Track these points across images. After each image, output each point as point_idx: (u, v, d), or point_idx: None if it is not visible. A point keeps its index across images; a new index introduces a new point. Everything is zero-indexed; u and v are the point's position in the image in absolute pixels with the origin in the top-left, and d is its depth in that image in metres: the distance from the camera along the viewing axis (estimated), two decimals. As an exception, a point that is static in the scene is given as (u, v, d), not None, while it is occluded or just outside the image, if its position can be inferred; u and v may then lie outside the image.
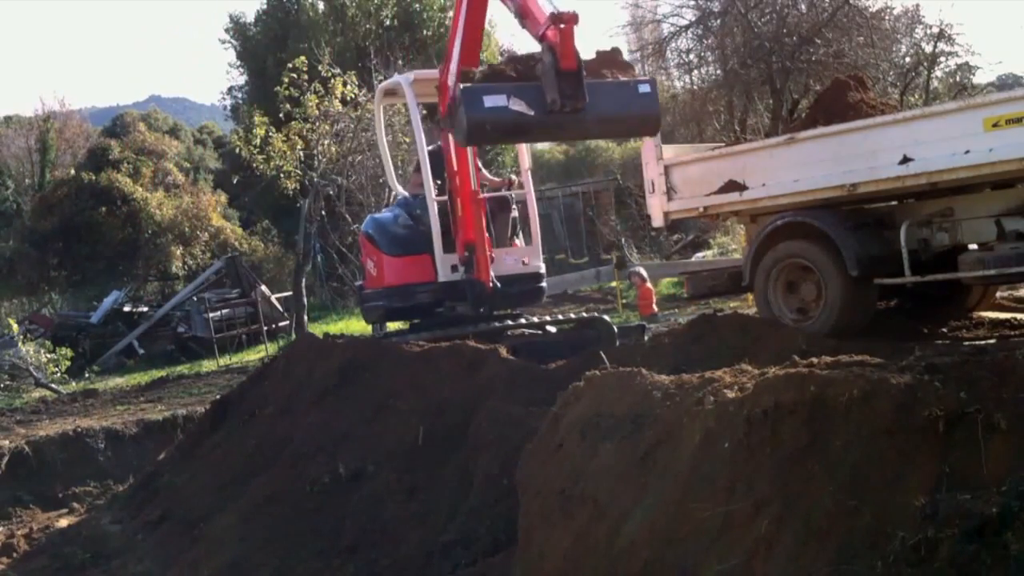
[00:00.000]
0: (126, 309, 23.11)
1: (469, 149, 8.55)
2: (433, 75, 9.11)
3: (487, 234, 8.63)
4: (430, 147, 9.12)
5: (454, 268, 8.60)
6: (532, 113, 7.28)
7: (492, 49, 28.46)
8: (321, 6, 28.40)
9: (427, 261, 8.70)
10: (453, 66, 8.11)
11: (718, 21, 21.70)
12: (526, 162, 9.46)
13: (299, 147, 16.11)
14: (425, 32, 27.45)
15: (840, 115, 7.89)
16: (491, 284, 8.49)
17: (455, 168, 8.57)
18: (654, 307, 12.41)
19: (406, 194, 9.71)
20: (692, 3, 22.22)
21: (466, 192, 8.52)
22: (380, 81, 13.08)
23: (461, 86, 7.31)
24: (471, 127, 7.26)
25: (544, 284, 9.32)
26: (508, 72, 7.46)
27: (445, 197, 8.76)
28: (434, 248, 8.63)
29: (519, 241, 9.27)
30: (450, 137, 8.83)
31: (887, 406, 3.63)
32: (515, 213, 9.29)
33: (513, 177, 9.49)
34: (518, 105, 7.23)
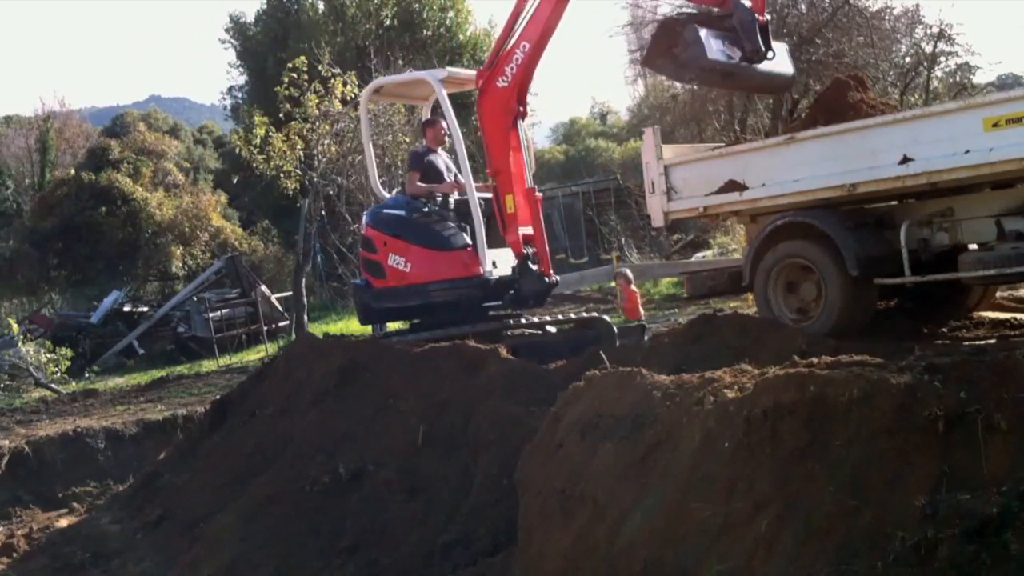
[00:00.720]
0: (126, 309, 23.11)
1: (524, 146, 8.66)
2: (466, 75, 9.30)
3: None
4: (418, 148, 9.12)
5: (494, 264, 8.62)
6: (735, 60, 7.78)
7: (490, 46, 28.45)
8: (321, 6, 28.40)
9: (465, 256, 8.59)
10: (511, 68, 8.35)
11: (718, 21, 21.67)
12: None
13: (299, 147, 16.11)
14: (425, 32, 27.44)
15: (840, 115, 7.90)
16: (551, 278, 8.65)
17: (505, 164, 8.56)
18: (640, 311, 12.15)
19: (388, 196, 9.66)
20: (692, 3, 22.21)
21: (522, 187, 8.61)
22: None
23: (698, 27, 7.58)
24: (708, 67, 7.58)
25: None
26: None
27: (488, 193, 8.75)
28: (477, 243, 8.57)
29: None
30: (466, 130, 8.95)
31: (887, 406, 3.63)
32: None
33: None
34: (730, 51, 7.71)
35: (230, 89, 32.31)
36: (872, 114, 7.76)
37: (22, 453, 9.24)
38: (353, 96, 16.33)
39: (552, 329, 9.38)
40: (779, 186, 7.54)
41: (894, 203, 7.69)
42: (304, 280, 17.75)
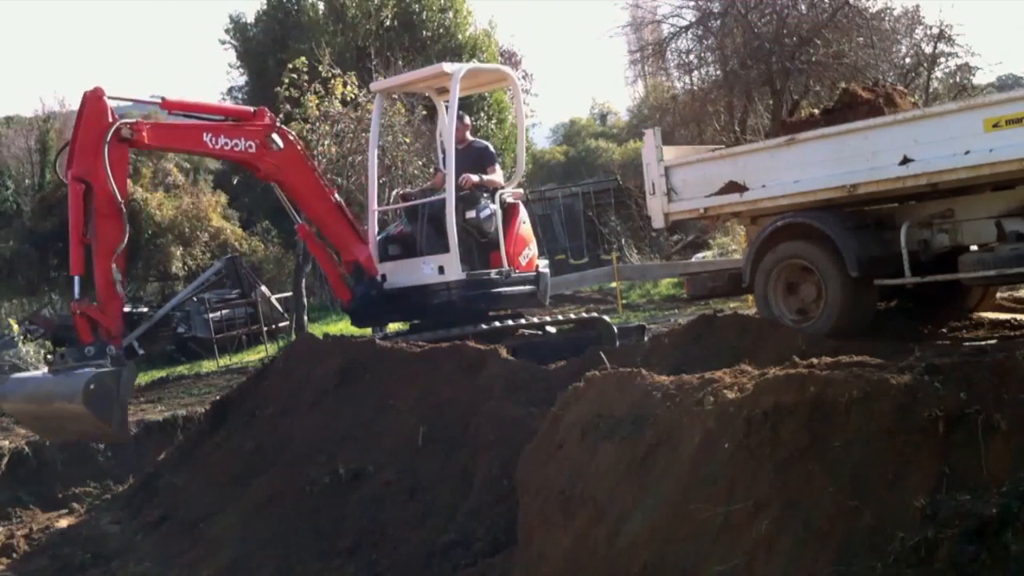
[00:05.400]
0: (126, 309, 23.06)
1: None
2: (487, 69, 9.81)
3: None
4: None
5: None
6: None
7: (492, 50, 28.48)
8: (321, 6, 28.39)
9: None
10: None
11: (718, 22, 21.74)
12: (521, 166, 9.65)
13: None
14: (425, 32, 27.44)
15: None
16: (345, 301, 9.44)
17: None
18: None
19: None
20: (692, 4, 22.27)
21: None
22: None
23: None
24: None
25: (456, 295, 8.66)
26: None
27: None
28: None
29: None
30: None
31: (887, 406, 3.63)
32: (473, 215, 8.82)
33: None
34: None
35: (230, 90, 32.29)
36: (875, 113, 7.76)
37: (22, 453, 9.23)
38: (353, 97, 16.33)
39: (552, 329, 9.39)
40: (779, 187, 7.54)
41: (894, 204, 7.69)
42: (304, 281, 17.74)
